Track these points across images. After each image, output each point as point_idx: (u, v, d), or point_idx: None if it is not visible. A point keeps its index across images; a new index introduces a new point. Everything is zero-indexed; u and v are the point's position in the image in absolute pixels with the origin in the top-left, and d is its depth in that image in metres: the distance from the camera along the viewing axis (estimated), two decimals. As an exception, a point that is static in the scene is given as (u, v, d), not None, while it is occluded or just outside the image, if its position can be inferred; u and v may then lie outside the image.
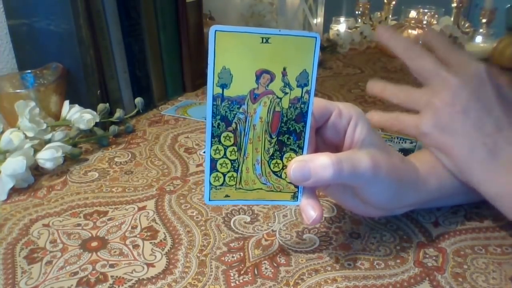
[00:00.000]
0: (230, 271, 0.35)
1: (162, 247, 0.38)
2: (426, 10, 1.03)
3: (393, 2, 1.15)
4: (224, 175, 0.32)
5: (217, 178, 0.32)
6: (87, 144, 0.57)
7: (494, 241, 0.38)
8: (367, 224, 0.41)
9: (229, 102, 0.31)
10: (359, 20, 1.16)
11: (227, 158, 0.32)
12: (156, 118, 0.66)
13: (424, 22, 1.00)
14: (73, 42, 0.57)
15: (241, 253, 0.37)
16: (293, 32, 0.30)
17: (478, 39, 0.96)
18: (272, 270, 0.35)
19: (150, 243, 0.38)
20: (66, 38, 0.58)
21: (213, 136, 0.31)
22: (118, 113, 0.60)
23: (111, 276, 0.34)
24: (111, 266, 0.36)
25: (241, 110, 0.31)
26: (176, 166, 0.52)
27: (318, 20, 1.11)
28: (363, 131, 0.34)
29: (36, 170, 0.50)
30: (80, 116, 0.55)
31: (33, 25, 0.60)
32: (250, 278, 0.34)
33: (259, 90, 0.31)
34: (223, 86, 0.30)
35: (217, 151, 0.32)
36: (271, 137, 0.32)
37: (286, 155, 0.33)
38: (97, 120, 0.57)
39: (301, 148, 0.33)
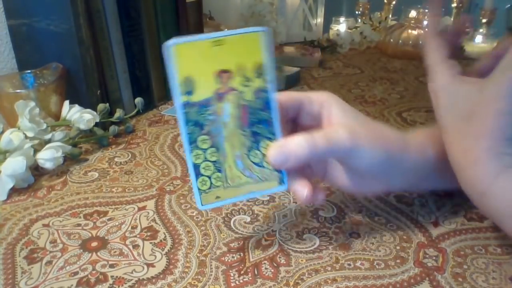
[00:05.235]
0: (230, 271, 0.35)
1: (162, 247, 0.38)
2: (426, 10, 1.03)
3: (393, 2, 1.15)
4: (210, 178, 0.33)
5: (204, 182, 0.33)
6: (87, 144, 0.57)
7: (494, 241, 0.38)
8: (367, 224, 0.41)
9: (198, 107, 0.32)
10: (359, 20, 1.16)
11: (208, 160, 0.33)
12: (156, 118, 0.66)
13: (424, 22, 1.00)
14: (73, 42, 0.57)
15: (241, 253, 0.37)
16: (240, 31, 0.32)
17: (478, 39, 0.96)
18: (272, 270, 0.35)
19: (150, 243, 0.38)
20: (66, 38, 0.58)
21: (190, 143, 0.32)
22: (118, 113, 0.60)
23: (111, 276, 0.34)
24: (111, 266, 0.36)
25: (210, 111, 0.32)
26: (176, 166, 0.52)
27: (318, 20, 1.11)
28: (337, 111, 0.35)
29: (36, 170, 0.50)
30: (80, 116, 0.55)
31: (33, 25, 0.60)
32: (250, 278, 0.34)
33: (222, 89, 0.32)
34: (189, 93, 0.32)
35: (198, 156, 0.33)
36: (244, 130, 0.33)
37: (262, 144, 0.34)
38: (97, 120, 0.57)
39: (274, 134, 0.34)
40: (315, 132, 0.33)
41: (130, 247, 0.38)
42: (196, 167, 0.33)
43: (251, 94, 0.33)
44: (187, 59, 0.31)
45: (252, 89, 0.33)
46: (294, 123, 0.38)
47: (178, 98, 0.32)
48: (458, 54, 0.41)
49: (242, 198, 0.35)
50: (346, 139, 0.33)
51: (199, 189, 0.33)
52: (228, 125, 0.33)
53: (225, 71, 0.32)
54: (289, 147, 0.33)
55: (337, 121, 0.35)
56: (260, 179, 0.34)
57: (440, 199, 0.45)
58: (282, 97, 0.36)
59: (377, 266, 0.35)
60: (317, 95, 0.36)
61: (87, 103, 0.58)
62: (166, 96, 0.73)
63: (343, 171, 0.36)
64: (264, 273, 0.35)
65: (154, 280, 0.34)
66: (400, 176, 0.38)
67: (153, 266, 0.35)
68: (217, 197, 0.34)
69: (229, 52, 0.32)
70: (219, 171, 0.33)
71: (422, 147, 0.38)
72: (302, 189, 0.34)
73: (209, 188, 0.33)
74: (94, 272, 0.35)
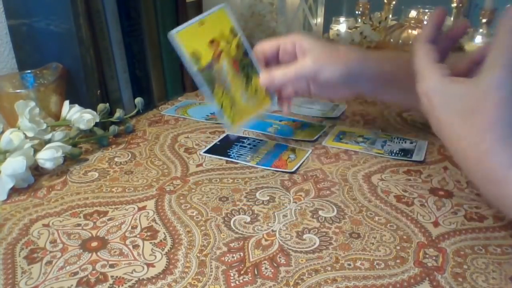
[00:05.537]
0: (230, 271, 0.35)
1: (162, 247, 0.38)
2: (426, 10, 1.03)
3: (393, 2, 1.14)
4: (231, 111, 0.50)
5: (227, 116, 0.49)
6: (87, 144, 0.57)
7: (494, 241, 0.38)
8: (367, 224, 0.41)
9: (206, 69, 0.47)
10: (359, 20, 1.15)
11: (225, 101, 0.49)
12: (156, 118, 0.66)
13: (424, 22, 1.00)
14: (73, 42, 0.57)
15: (241, 253, 0.37)
16: (211, 11, 0.48)
17: (478, 39, 0.95)
18: (272, 270, 0.35)
19: (150, 243, 0.38)
20: (66, 38, 0.58)
21: (211, 93, 0.48)
22: (118, 113, 0.60)
23: (111, 276, 0.34)
24: (111, 266, 0.36)
25: (215, 69, 0.48)
26: (176, 166, 0.52)
27: (318, 20, 1.11)
28: (307, 45, 0.49)
29: (36, 170, 0.50)
30: (80, 116, 0.55)
31: (33, 25, 0.60)
32: (250, 278, 0.34)
33: (216, 52, 0.48)
34: (197, 62, 0.47)
35: (218, 100, 0.49)
36: (238, 74, 0.50)
37: (253, 79, 0.51)
38: (97, 120, 0.57)
39: (258, 71, 0.51)
40: (289, 64, 0.50)
41: (130, 247, 0.38)
42: (220, 108, 0.49)
43: (234, 49, 0.50)
44: (188, 39, 0.46)
45: (234, 46, 0.49)
46: (277, 62, 0.52)
47: (193, 68, 0.47)
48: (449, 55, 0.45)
49: (253, 117, 0.52)
50: (311, 63, 0.49)
51: (227, 120, 0.49)
52: (228, 75, 0.49)
53: (213, 40, 0.48)
54: (273, 74, 0.50)
55: (308, 52, 0.49)
56: (258, 103, 0.52)
57: (440, 199, 0.45)
58: (260, 46, 0.52)
59: (377, 266, 0.35)
60: (289, 37, 0.51)
61: (87, 103, 0.58)
62: (166, 96, 0.73)
63: (319, 85, 0.51)
64: (264, 273, 0.35)
65: (154, 280, 0.34)
66: (363, 83, 0.51)
67: (153, 266, 0.35)
68: (239, 122, 0.51)
69: (211, 26, 0.48)
70: (233, 106, 0.50)
71: (379, 61, 0.51)
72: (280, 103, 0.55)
73: (232, 118, 0.50)
74: (94, 272, 0.35)
